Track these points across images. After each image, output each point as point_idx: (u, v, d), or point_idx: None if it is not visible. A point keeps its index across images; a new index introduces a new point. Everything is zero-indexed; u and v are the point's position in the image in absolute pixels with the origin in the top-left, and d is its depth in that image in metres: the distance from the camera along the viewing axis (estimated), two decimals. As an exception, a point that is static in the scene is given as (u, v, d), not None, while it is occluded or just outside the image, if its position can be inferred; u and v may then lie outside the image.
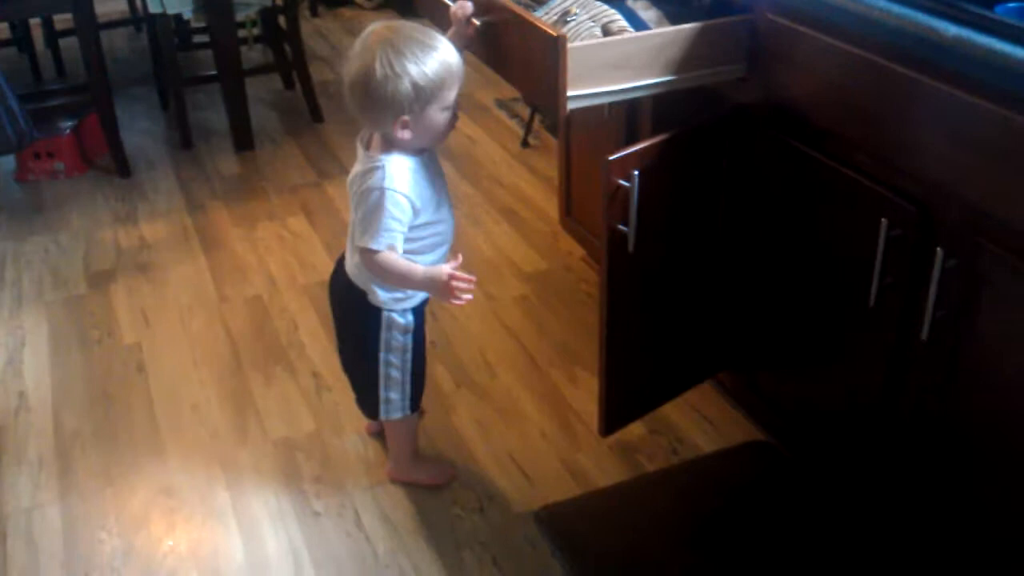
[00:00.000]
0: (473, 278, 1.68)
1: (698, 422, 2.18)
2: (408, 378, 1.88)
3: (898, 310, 1.56)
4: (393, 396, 1.89)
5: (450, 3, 1.86)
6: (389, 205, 1.63)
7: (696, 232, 1.90)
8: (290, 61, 3.93)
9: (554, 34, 1.59)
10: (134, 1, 4.70)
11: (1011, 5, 1.62)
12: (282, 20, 3.90)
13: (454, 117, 1.68)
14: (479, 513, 1.97)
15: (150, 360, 2.48)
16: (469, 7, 1.80)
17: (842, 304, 1.70)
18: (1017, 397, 1.40)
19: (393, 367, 1.86)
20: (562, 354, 2.44)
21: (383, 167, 1.64)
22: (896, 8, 1.44)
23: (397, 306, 1.80)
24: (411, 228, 1.69)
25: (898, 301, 1.55)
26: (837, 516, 1.88)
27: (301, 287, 2.76)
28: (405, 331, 1.83)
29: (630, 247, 1.72)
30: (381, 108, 1.61)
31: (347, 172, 3.59)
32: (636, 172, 1.66)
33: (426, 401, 2.23)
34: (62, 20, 4.12)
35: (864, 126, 1.54)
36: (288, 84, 4.23)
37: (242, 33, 3.83)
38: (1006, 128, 1.27)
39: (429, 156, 1.73)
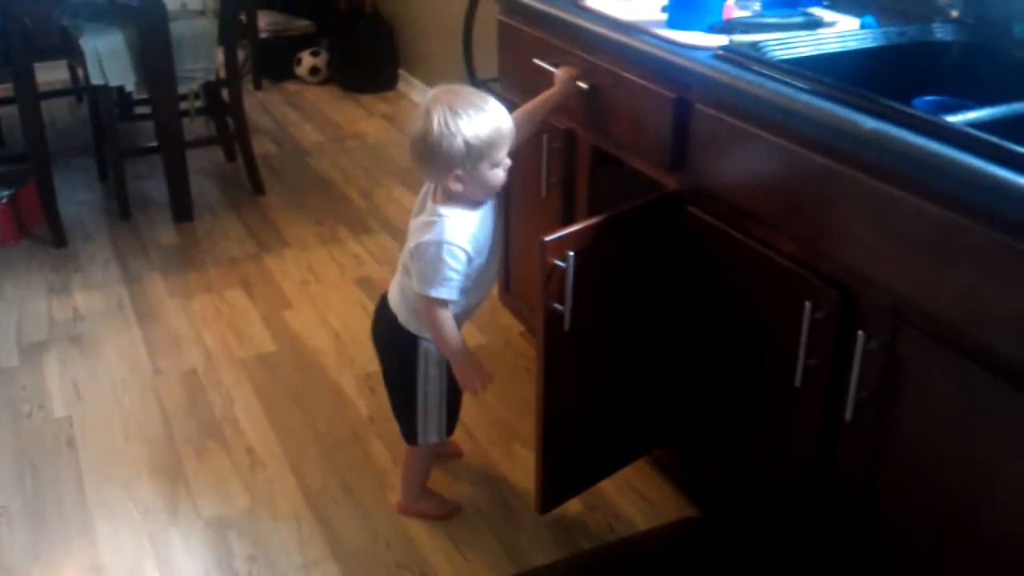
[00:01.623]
0: (490, 381, 1.92)
1: (634, 499, 2.20)
2: (444, 403, 2.00)
3: (823, 390, 1.60)
4: (431, 422, 2.01)
5: (553, 69, 2.09)
6: (447, 257, 1.76)
7: (631, 311, 1.94)
8: (232, 133, 3.95)
9: (671, 95, 1.78)
10: (76, 71, 4.69)
11: (928, 98, 1.71)
12: (225, 93, 3.92)
13: (505, 172, 1.81)
14: (414, 592, 1.96)
15: (81, 434, 2.44)
16: (574, 70, 2.03)
17: (770, 383, 1.74)
18: (935, 479, 1.44)
19: (431, 395, 1.98)
20: (500, 430, 2.45)
21: (441, 221, 1.77)
22: (816, 101, 1.51)
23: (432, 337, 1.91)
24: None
25: (823, 381, 1.59)
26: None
27: (238, 360, 2.74)
28: (440, 363, 1.94)
29: (566, 326, 1.75)
30: (437, 163, 1.74)
31: (288, 245, 3.59)
32: (571, 253, 1.70)
33: (361, 479, 2.23)
34: (1, 89, 4.09)
35: (789, 212, 1.60)
36: (230, 156, 4.24)
37: (184, 105, 3.83)
38: (921, 218, 1.33)
39: (488, 205, 1.85)
